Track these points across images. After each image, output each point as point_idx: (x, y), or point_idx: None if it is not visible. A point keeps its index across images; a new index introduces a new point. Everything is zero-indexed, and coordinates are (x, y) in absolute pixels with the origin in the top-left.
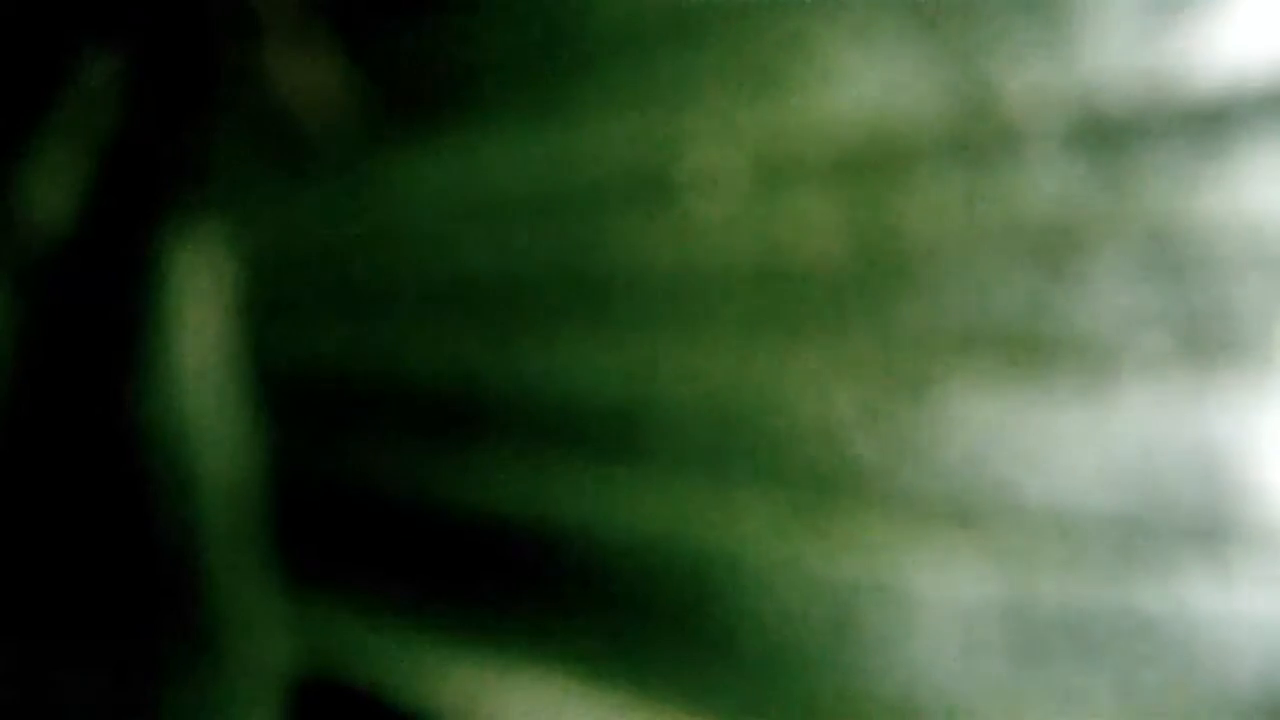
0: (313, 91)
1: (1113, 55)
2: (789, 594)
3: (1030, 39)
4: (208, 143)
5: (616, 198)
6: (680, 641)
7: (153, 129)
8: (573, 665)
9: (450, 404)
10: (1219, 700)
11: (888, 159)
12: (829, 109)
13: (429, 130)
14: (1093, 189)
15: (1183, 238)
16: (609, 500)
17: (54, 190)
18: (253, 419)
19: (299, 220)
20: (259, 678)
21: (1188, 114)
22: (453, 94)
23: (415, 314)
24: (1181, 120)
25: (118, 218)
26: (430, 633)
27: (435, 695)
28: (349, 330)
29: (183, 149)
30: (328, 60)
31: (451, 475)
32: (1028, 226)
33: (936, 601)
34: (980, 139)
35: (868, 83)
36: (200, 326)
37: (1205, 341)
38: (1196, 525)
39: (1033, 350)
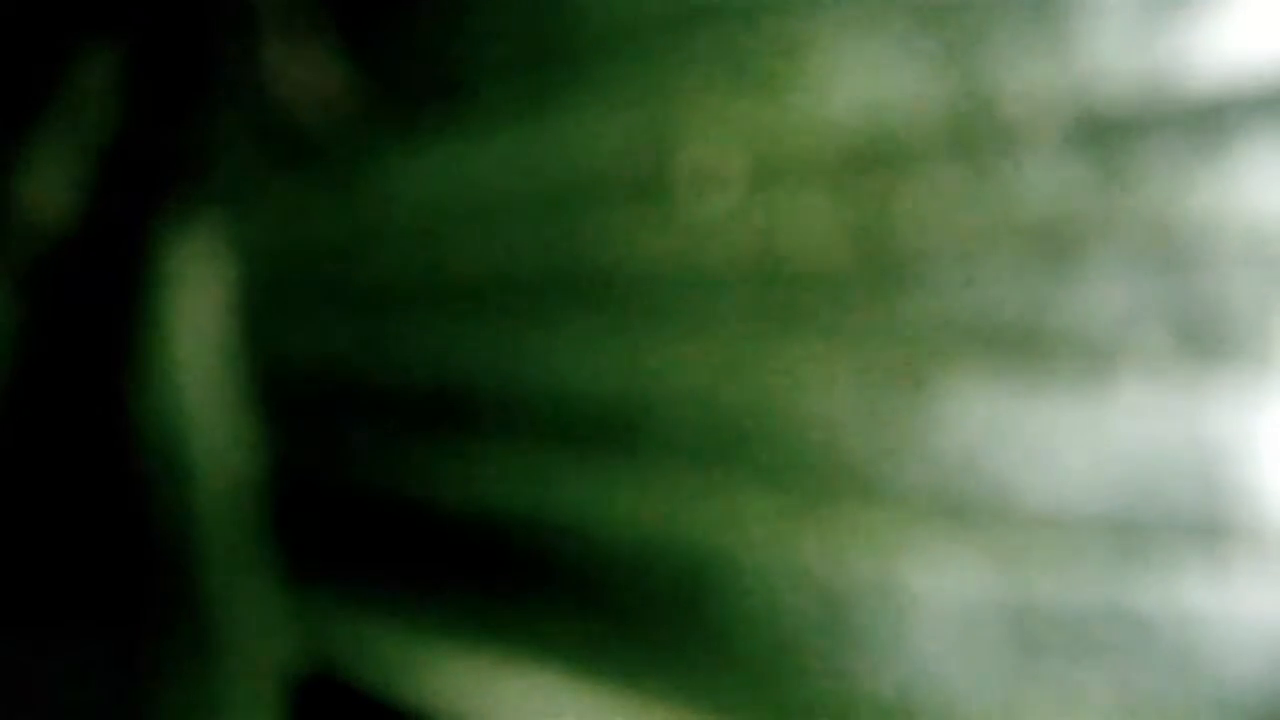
0: (311, 89)
1: (1110, 54)
2: (785, 591)
3: (1028, 38)
4: (206, 140)
5: (614, 195)
6: (677, 639)
7: (152, 126)
8: (570, 662)
9: (447, 401)
10: (1216, 699)
11: (885, 157)
12: (827, 107)
13: (426, 127)
14: (1090, 187)
15: (1180, 235)
16: (606, 498)
17: (53, 187)
18: (250, 415)
19: (297, 217)
20: (257, 675)
21: (1185, 112)
22: (450, 91)
23: (412, 310)
24: (1179, 118)
25: (117, 215)
26: (428, 630)
27: (432, 692)
28: (346, 327)
29: (182, 146)
30: (326, 58)
31: (449, 472)
32: (1025, 224)
33: (933, 599)
34: (978, 137)
35: (866, 80)
36: (198, 323)
37: (1202, 339)
38: (1194, 523)
39: (1030, 348)
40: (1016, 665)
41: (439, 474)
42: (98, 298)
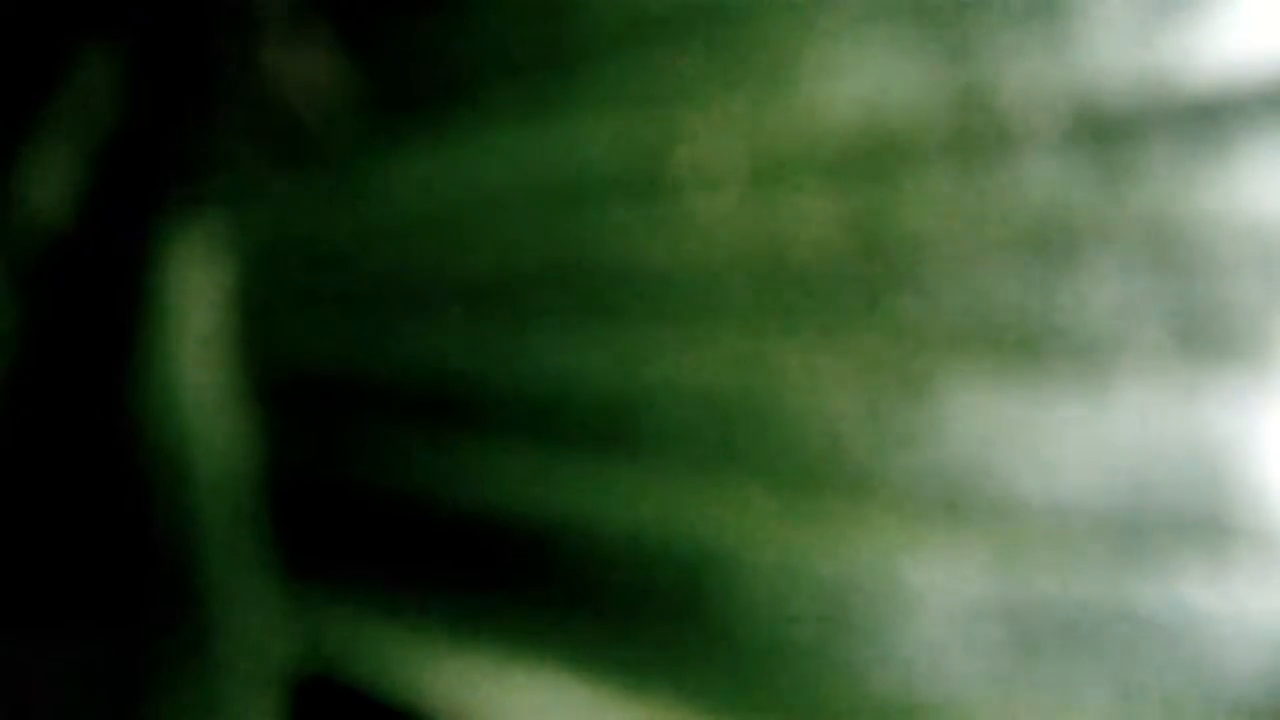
0: (310, 87)
1: (1110, 52)
2: (785, 589)
3: (1027, 35)
4: (206, 138)
5: (613, 193)
6: (677, 636)
7: (151, 125)
8: (569, 660)
9: (447, 398)
10: (1215, 697)
11: (884, 155)
12: (826, 104)
13: (426, 126)
14: (1089, 185)
15: (1179, 234)
16: (605, 495)
17: (53, 186)
18: (250, 414)
19: (296, 215)
20: (256, 674)
21: (1184, 110)
22: (450, 89)
23: (412, 308)
24: (1178, 117)
25: (116, 213)
26: (427, 628)
27: (431, 691)
28: (345, 325)
29: (181, 145)
30: (325, 56)
31: (449, 470)
32: (1024, 223)
33: (933, 597)
34: (977, 135)
35: (865, 78)
36: (198, 322)
37: (1201, 338)
38: (1193, 522)
39: (1029, 346)
40: (1016, 663)
41: (438, 472)
42: (97, 296)
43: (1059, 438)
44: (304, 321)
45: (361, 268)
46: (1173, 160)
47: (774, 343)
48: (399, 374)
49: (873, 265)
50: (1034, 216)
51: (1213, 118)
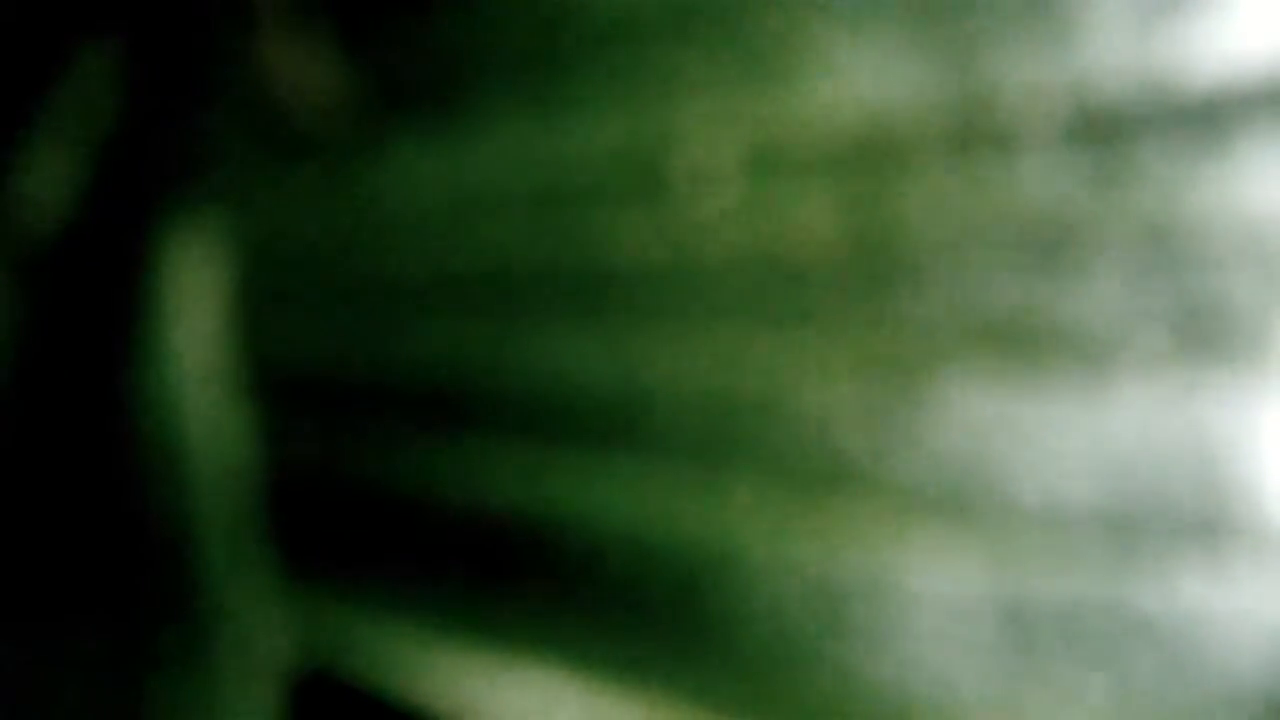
0: (308, 84)
1: (1109, 50)
2: (782, 587)
3: (1027, 35)
4: (203, 136)
5: (612, 191)
6: (675, 635)
7: (149, 121)
8: (567, 657)
9: (445, 397)
10: (1214, 697)
11: (883, 153)
12: (825, 102)
13: (424, 123)
14: (1088, 184)
15: (1179, 234)
16: (604, 494)
17: (51, 182)
18: (249, 411)
19: (294, 212)
20: (254, 671)
21: (1184, 110)
22: (447, 87)
23: (410, 306)
24: (1177, 116)
25: (115, 210)
26: (425, 626)
27: (430, 688)
28: (344, 322)
29: (179, 142)
30: (323, 53)
31: (447, 468)
32: (1023, 222)
33: (930, 596)
34: (977, 134)
35: (863, 76)
36: (196, 318)
37: (1201, 338)
38: (1192, 522)
39: (1028, 345)
40: (1013, 662)
41: (437, 470)
42: (96, 294)
43: (1057, 436)
44: (302, 319)
45: (359, 265)
46: (1171, 159)
47: (772, 341)
48: (396, 372)
49: (871, 264)
50: (1032, 215)
51: (1211, 117)
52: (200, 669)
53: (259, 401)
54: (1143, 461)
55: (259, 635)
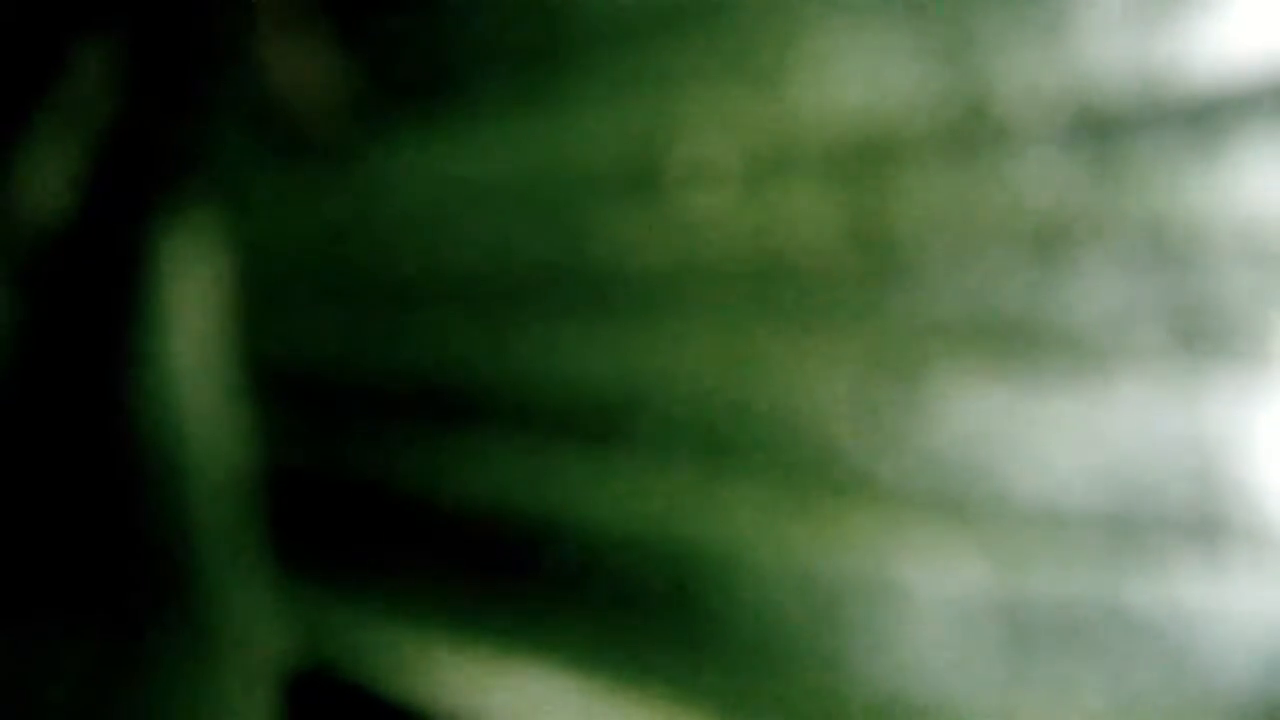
0: (307, 81)
1: (1106, 50)
2: (779, 586)
3: (1024, 34)
4: (202, 134)
5: (610, 189)
6: (671, 634)
7: (148, 119)
8: (564, 656)
9: (442, 395)
10: (1210, 696)
11: (881, 152)
12: (822, 101)
13: (423, 120)
14: (1086, 183)
15: (1176, 232)
16: (601, 492)
17: (50, 180)
18: (245, 409)
19: (293, 210)
20: (251, 669)
21: (1181, 108)
22: (445, 85)
23: (408, 304)
24: (1175, 115)
25: (113, 207)
26: (422, 624)
27: (426, 687)
28: (342, 320)
29: (177, 140)
30: (322, 50)
31: (444, 467)
32: (1021, 220)
33: (927, 595)
34: (974, 133)
35: (861, 75)
36: (194, 317)
37: (1198, 336)
38: (1188, 520)
39: (1025, 344)
40: (1010, 661)
41: (434, 468)
42: (94, 292)
43: (1054, 435)
44: (299, 316)
45: (357, 263)
46: (1169, 158)
47: (769, 339)
48: (394, 369)
49: (869, 262)
50: (1030, 214)
51: (1209, 115)
52: (198, 669)
53: (257, 400)
54: (1140, 460)
55: (257, 634)
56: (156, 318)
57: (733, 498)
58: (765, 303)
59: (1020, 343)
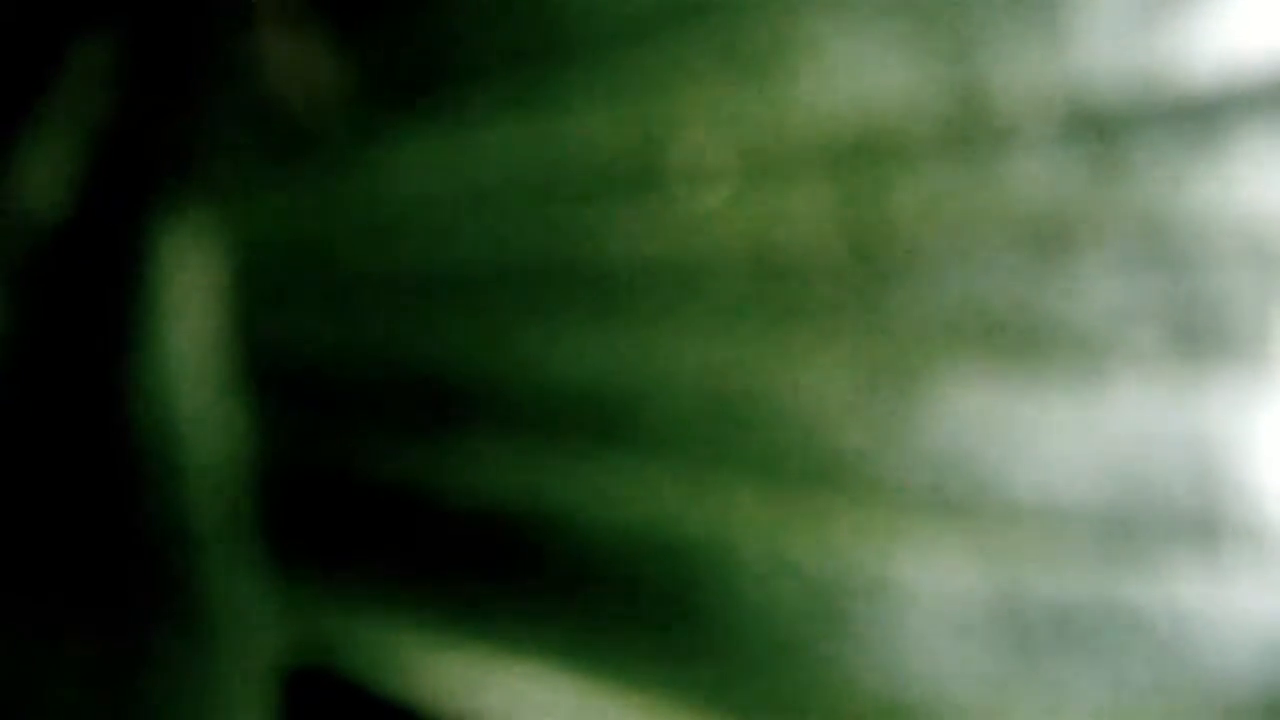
0: (305, 79)
1: (1105, 48)
2: (777, 584)
3: (1024, 32)
4: (200, 132)
5: (608, 187)
6: (668, 632)
7: (146, 117)
8: (562, 654)
9: (440, 392)
10: (1208, 696)
11: (879, 150)
12: (820, 99)
13: (419, 119)
14: (1085, 182)
15: (1175, 232)
16: (597, 489)
17: (47, 177)
18: (243, 406)
19: (291, 208)
20: (248, 666)
21: (1180, 107)
22: (443, 83)
23: (405, 301)
24: (1174, 114)
25: (111, 205)
26: (419, 622)
27: (423, 684)
28: (340, 318)
29: (176, 137)
30: (321, 48)
31: (441, 464)
32: (1020, 219)
33: (924, 594)
34: (973, 131)
35: (859, 73)
36: (191, 313)
37: (1197, 336)
38: (1186, 520)
39: (1024, 343)
40: (1008, 660)
41: (431, 466)
42: (91, 289)
43: (1052, 434)
44: (298, 314)
45: (355, 260)
46: (1167, 156)
47: (766, 338)
48: (391, 366)
49: (866, 261)
50: (1028, 212)
51: (1207, 114)
52: (195, 665)
53: (254, 397)
54: (1138, 459)
55: (254, 631)
56: (154, 315)
57: (730, 496)
58: (763, 300)
59: (1019, 341)
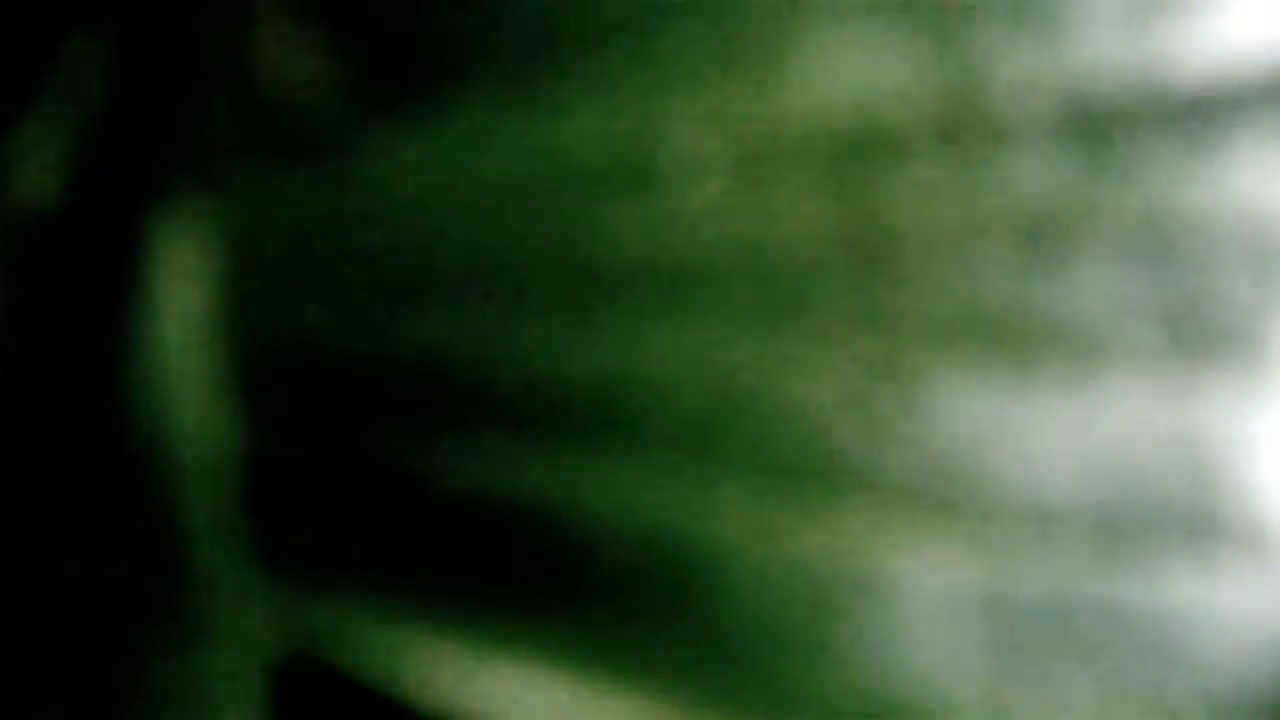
0: (299, 72)
1: (1102, 45)
2: (768, 583)
3: (1018, 28)
4: (194, 123)
5: (600, 183)
6: (659, 629)
7: (141, 110)
8: (552, 650)
9: (432, 387)
10: (1202, 696)
11: (873, 146)
12: (815, 96)
13: (414, 114)
14: (1080, 180)
15: (1171, 229)
16: (590, 486)
17: (41, 170)
18: (234, 399)
19: (284, 201)
20: (238, 660)
21: (1176, 106)
22: (438, 77)
23: (398, 297)
24: (1170, 112)
25: (105, 197)
26: (410, 617)
27: (413, 679)
28: (332, 311)
29: (171, 130)
30: (314, 41)
31: (434, 458)
32: (1014, 215)
33: (916, 589)
34: (967, 128)
35: (854, 69)
36: (185, 306)
37: (1192, 334)
38: (1180, 519)
39: (1017, 340)
40: (1000, 659)
41: (423, 460)
42: (84, 281)
43: (1046, 432)
44: (290, 307)
45: (348, 254)
46: (1164, 155)
47: (759, 334)
48: (384, 361)
49: (860, 257)
50: (1023, 210)
51: (1204, 112)
52: (184, 657)
53: (246, 390)
54: (1132, 458)
55: (243, 623)
56: (147, 307)
57: (723, 492)
58: (756, 297)
59: (1013, 339)
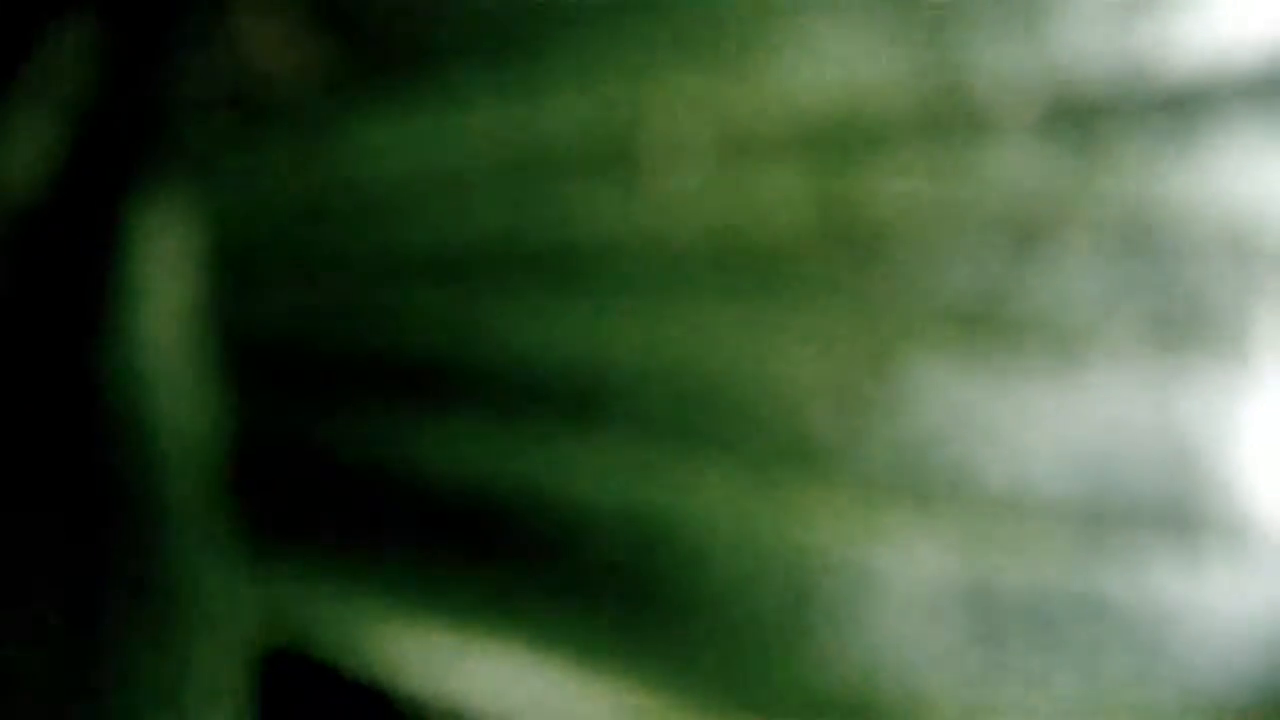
0: (281, 57)
1: (1086, 38)
2: (746, 569)
3: (1004, 20)
4: (177, 108)
5: (582, 168)
6: (637, 614)
7: (124, 93)
8: (533, 635)
9: (413, 370)
10: (1182, 688)
11: (855, 134)
12: (796, 82)
13: (396, 97)
14: (1064, 172)
15: (1154, 222)
16: (570, 470)
17: (25, 155)
18: (217, 383)
19: (266, 185)
20: (221, 646)
21: (1160, 99)
22: (420, 62)
23: (380, 280)
24: (1154, 105)
25: (88, 182)
26: (392, 603)
27: (396, 665)
28: (314, 295)
29: (154, 114)
30: (297, 25)
31: (415, 442)
32: (997, 207)
33: (897, 580)
34: (951, 118)
35: (837, 57)
36: (168, 290)
37: (1175, 327)
38: (1162, 512)
39: (1000, 331)
40: (980, 650)
41: (403, 444)
42: (68, 266)
43: (1028, 424)
44: (272, 291)
45: (330, 238)
46: (1148, 148)
47: (740, 320)
48: (365, 345)
49: (841, 246)
50: (1007, 201)
51: (1188, 106)
52: (167, 643)
53: (229, 374)
54: (1114, 451)
55: (226, 609)
56: (130, 292)
57: (703, 478)
58: (737, 283)
59: (995, 330)
